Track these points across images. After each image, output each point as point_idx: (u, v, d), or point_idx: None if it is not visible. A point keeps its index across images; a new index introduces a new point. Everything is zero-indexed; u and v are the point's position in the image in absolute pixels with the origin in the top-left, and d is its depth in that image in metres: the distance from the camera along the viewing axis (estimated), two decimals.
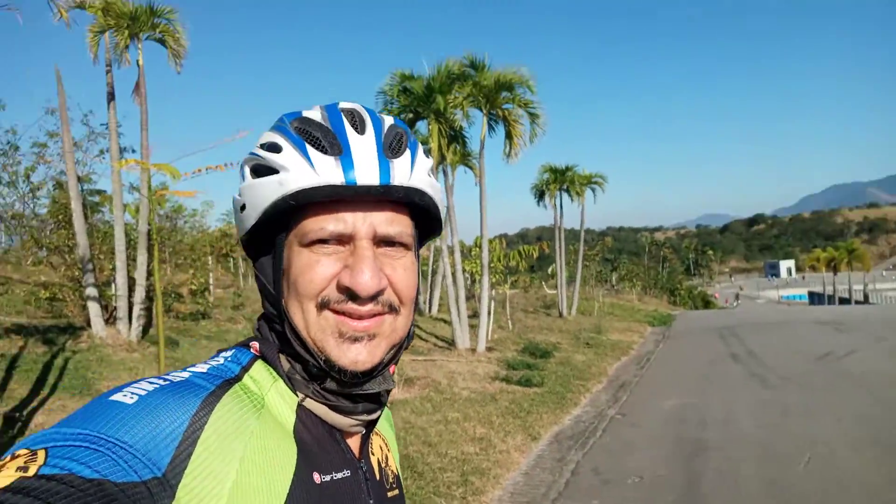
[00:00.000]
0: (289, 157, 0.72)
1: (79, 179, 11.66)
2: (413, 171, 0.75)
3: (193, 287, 14.40)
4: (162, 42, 11.69)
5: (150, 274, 11.06)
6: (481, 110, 14.69)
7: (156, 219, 15.60)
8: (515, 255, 23.23)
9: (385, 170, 0.72)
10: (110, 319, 11.16)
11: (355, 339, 0.72)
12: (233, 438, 0.65)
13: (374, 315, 0.73)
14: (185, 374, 0.70)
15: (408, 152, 0.76)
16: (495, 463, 6.45)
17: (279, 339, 0.78)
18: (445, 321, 17.15)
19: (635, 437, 7.36)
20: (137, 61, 11.32)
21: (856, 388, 9.57)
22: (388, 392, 0.80)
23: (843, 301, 52.62)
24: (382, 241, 0.74)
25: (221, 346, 0.83)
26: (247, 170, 0.76)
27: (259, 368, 0.76)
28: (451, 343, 14.51)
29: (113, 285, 11.38)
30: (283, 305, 0.76)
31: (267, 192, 0.72)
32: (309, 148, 0.72)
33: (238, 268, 25.30)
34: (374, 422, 0.82)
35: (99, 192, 16.87)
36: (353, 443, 0.81)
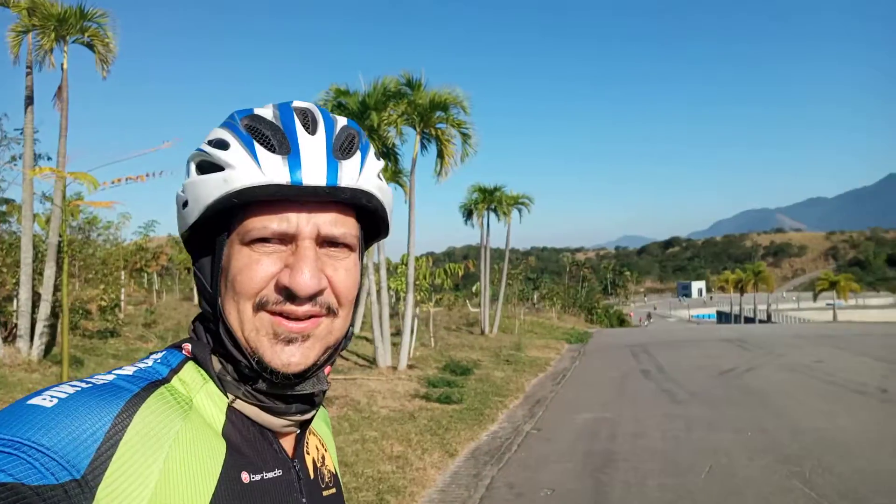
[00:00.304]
0: (235, 154, 0.71)
1: None
2: (362, 172, 0.74)
3: (103, 303, 13.73)
4: (90, 46, 11.21)
5: (56, 289, 10.51)
6: (415, 129, 14.80)
7: (67, 230, 14.85)
8: (441, 273, 23.38)
9: (333, 171, 0.71)
10: (9, 337, 10.52)
11: (289, 341, 0.72)
12: (156, 439, 0.64)
13: (311, 316, 0.72)
14: (110, 377, 0.69)
15: (358, 154, 0.75)
16: (411, 481, 6.47)
17: (214, 340, 0.77)
18: (368, 339, 17.04)
19: (549, 452, 7.54)
20: (62, 65, 10.84)
21: (754, 402, 10.15)
22: (324, 392, 0.79)
23: (749, 320, 55.59)
24: (326, 242, 0.73)
25: None
26: (192, 166, 0.75)
27: (189, 370, 0.75)
28: (372, 361, 14.43)
29: (14, 301, 10.74)
30: (219, 304, 0.74)
31: (211, 188, 0.71)
32: (257, 146, 0.71)
33: (152, 283, 24.31)
34: (309, 421, 0.82)
35: (7, 200, 15.91)
36: (287, 443, 0.80)
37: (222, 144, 0.73)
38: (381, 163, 0.80)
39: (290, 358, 0.71)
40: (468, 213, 26.37)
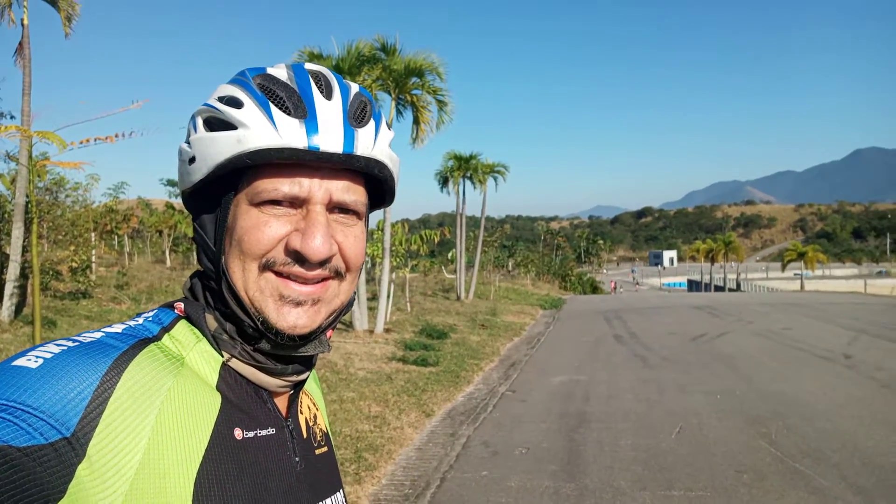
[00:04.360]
0: (250, 114, 0.69)
1: None
2: (377, 142, 0.74)
3: (74, 264, 13.50)
4: (52, 2, 10.80)
5: (25, 249, 10.29)
6: (390, 94, 14.61)
7: (34, 191, 14.47)
8: (417, 240, 23.38)
9: (350, 139, 0.70)
10: None
11: (298, 303, 0.71)
12: (147, 396, 0.63)
13: (321, 280, 0.72)
14: (98, 335, 0.67)
15: (372, 122, 0.75)
16: (389, 440, 6.54)
17: (213, 298, 0.76)
18: None
19: (524, 412, 7.67)
20: (22, 20, 10.43)
21: (724, 366, 10.41)
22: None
23: (718, 289, 56.75)
24: (336, 208, 0.73)
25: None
26: (199, 121, 0.73)
27: (181, 328, 0.74)
28: (349, 325, 14.47)
29: None
30: (222, 263, 0.73)
31: (222, 147, 0.69)
32: (272, 107, 0.69)
33: (123, 245, 23.92)
34: (303, 382, 0.82)
35: None
36: (281, 402, 0.80)
37: (235, 102, 0.71)
38: (392, 133, 0.79)
39: (297, 320, 0.71)
40: (444, 181, 26.30)
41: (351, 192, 0.73)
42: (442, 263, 38.36)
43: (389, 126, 0.79)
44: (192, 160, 0.73)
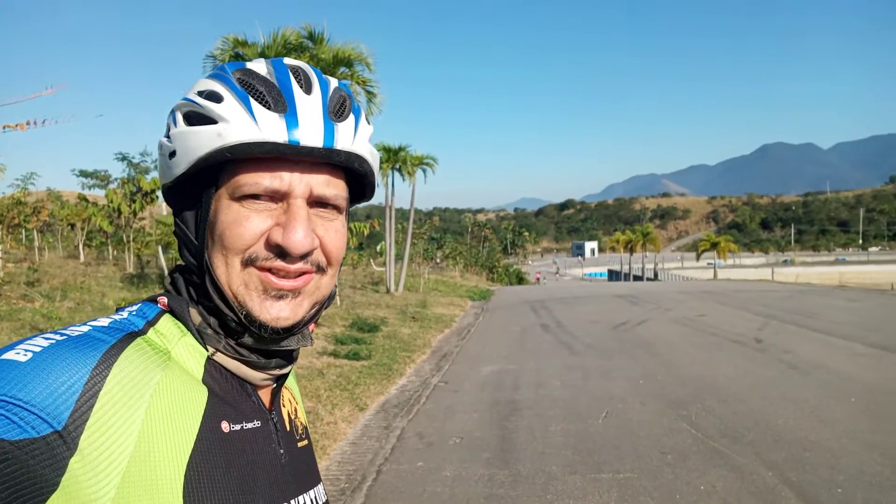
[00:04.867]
0: (230, 108, 0.70)
1: None
2: (356, 136, 0.75)
3: None
4: None
5: None
6: None
7: None
8: None
9: (329, 133, 0.71)
10: None
11: (280, 297, 0.72)
12: (137, 390, 0.64)
13: (302, 273, 0.73)
14: (85, 328, 0.68)
15: (352, 117, 0.76)
16: (323, 435, 6.49)
17: (197, 292, 0.77)
18: None
19: (457, 402, 7.77)
20: None
21: (645, 352, 10.85)
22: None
23: (637, 278, 58.95)
24: (316, 202, 0.74)
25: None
26: (178, 115, 0.74)
27: (166, 322, 0.74)
28: None
29: None
30: (205, 258, 0.74)
31: (203, 141, 0.70)
32: (252, 102, 0.70)
33: (32, 240, 22.57)
34: (285, 376, 0.83)
35: None
36: (264, 395, 0.81)
37: (215, 97, 0.71)
38: (371, 127, 0.80)
39: (279, 313, 0.72)
40: None
41: (331, 187, 0.74)
42: (371, 256, 38.11)
43: (369, 122, 0.81)
44: (173, 154, 0.73)
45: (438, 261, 47.31)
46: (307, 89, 0.73)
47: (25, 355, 0.60)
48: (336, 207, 0.76)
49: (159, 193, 23.54)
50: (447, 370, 9.96)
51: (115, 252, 24.54)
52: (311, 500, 0.83)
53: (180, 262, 0.81)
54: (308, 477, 0.85)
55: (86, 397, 0.60)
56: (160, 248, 18.43)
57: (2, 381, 0.57)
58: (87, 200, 23.61)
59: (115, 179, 32.02)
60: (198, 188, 0.75)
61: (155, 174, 32.76)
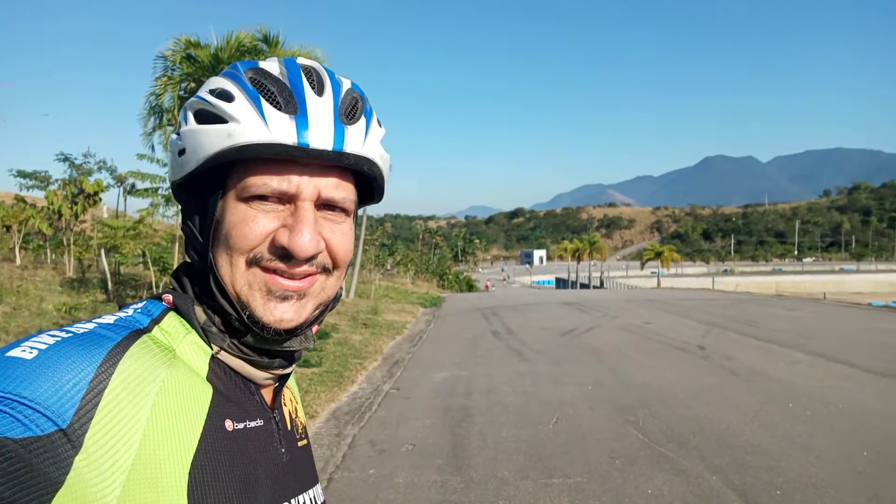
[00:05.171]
0: (240, 108, 0.70)
1: None
2: (367, 139, 0.74)
3: None
4: None
5: None
6: None
7: None
8: None
9: (339, 136, 0.71)
10: None
11: (284, 298, 0.72)
12: (142, 388, 0.63)
13: (307, 275, 0.73)
14: (90, 326, 0.67)
15: (363, 119, 0.75)
16: None
17: (201, 290, 0.76)
18: None
19: (409, 409, 7.75)
20: None
21: (593, 359, 11.04)
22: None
23: (584, 286, 59.96)
24: (324, 205, 0.74)
25: None
26: (189, 114, 0.74)
27: (171, 320, 0.74)
28: None
29: None
30: (210, 256, 0.74)
31: (213, 140, 0.70)
32: (263, 102, 0.70)
33: None
34: (287, 375, 0.83)
35: None
36: (266, 394, 0.81)
37: (226, 96, 0.71)
38: (384, 130, 0.80)
39: (283, 314, 0.73)
40: None
41: (340, 190, 0.74)
42: None
43: (380, 125, 0.81)
44: (182, 152, 0.73)
45: (389, 267, 47.16)
46: (319, 90, 0.73)
47: (31, 353, 0.60)
48: (344, 210, 0.76)
49: (102, 196, 22.77)
50: (399, 377, 9.93)
51: (53, 255, 23.64)
52: (311, 500, 0.84)
53: (177, 262, 0.80)
54: (307, 476, 0.86)
55: (91, 395, 0.59)
56: (102, 252, 17.79)
57: (7, 379, 0.57)
58: (24, 201, 22.65)
59: (57, 181, 30.91)
60: (206, 186, 0.75)
61: (98, 176, 31.65)
